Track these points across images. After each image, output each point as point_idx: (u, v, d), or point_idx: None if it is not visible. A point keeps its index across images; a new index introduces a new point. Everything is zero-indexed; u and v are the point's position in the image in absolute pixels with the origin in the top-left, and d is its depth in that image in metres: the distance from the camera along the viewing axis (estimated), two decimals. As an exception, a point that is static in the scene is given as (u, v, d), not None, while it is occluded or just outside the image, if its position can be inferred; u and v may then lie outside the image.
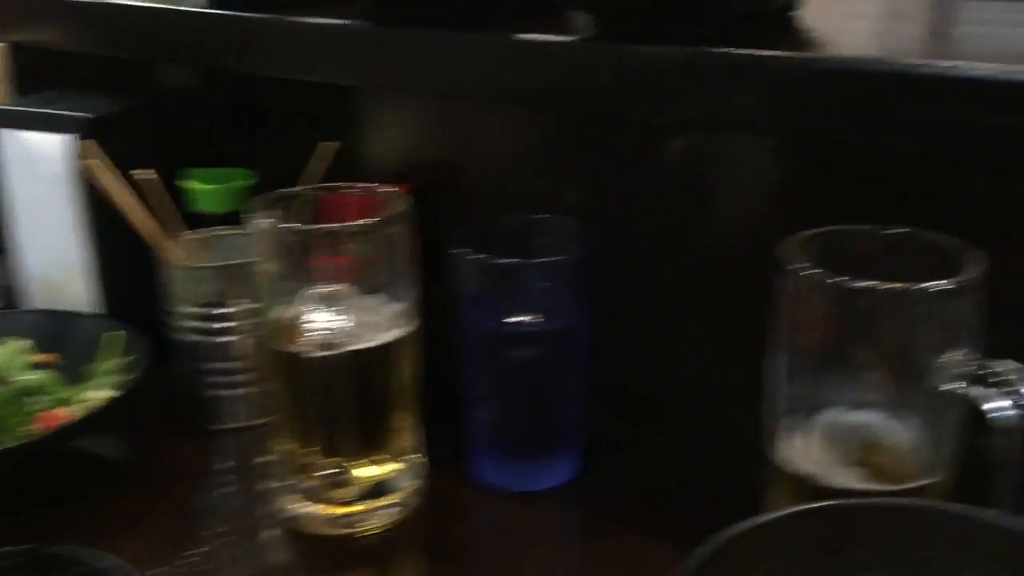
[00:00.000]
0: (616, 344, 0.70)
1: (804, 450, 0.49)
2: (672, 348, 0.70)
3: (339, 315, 0.54)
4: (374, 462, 0.59)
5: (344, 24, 0.59)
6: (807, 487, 0.49)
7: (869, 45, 0.50)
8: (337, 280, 0.56)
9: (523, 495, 0.63)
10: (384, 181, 0.63)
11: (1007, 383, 0.43)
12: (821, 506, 0.39)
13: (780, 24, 0.51)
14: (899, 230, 0.50)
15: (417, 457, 0.62)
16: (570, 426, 0.64)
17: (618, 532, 0.59)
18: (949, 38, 0.53)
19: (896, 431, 0.48)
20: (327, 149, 0.70)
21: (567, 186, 0.72)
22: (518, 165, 0.75)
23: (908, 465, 0.48)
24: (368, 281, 0.57)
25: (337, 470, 0.57)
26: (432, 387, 0.61)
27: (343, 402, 0.55)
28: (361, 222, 0.55)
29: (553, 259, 0.59)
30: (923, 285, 0.45)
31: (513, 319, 0.60)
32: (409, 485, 0.61)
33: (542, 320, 0.60)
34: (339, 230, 0.55)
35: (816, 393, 0.49)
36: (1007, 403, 0.43)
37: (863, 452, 0.49)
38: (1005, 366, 0.44)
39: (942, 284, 0.45)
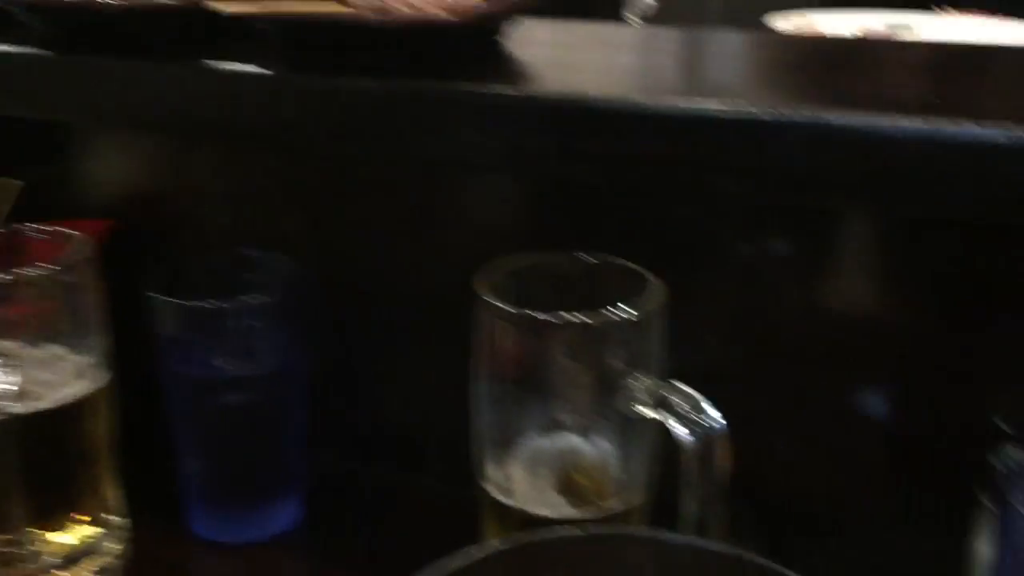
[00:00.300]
0: (342, 382, 0.68)
1: (509, 478, 0.49)
2: (400, 384, 0.68)
3: (6, 375, 0.49)
4: (63, 529, 0.54)
5: (21, 52, 0.54)
6: (513, 516, 0.49)
7: (559, 78, 0.51)
8: (8, 335, 0.51)
9: (242, 547, 0.60)
10: (90, 218, 0.58)
11: (686, 408, 0.44)
12: (510, 546, 0.38)
13: (485, 53, 0.51)
14: (592, 258, 0.51)
15: (116, 519, 0.57)
16: (289, 471, 0.61)
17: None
18: (664, 71, 0.54)
19: (593, 455, 0.49)
20: (9, 188, 0.64)
21: (286, 222, 0.69)
22: (234, 200, 0.71)
23: (607, 488, 0.49)
24: (47, 334, 0.52)
25: (10, 547, 0.51)
26: (143, 436, 0.57)
27: (12, 469, 0.50)
28: (33, 271, 0.50)
29: (255, 300, 0.56)
30: (604, 315, 0.46)
31: (215, 363, 0.57)
32: (109, 549, 0.56)
33: (248, 363, 0.57)
34: (6, 280, 0.50)
35: (516, 420, 0.49)
36: (686, 429, 0.44)
37: (564, 477, 0.49)
38: (687, 390, 0.45)
39: (622, 313, 0.46)
